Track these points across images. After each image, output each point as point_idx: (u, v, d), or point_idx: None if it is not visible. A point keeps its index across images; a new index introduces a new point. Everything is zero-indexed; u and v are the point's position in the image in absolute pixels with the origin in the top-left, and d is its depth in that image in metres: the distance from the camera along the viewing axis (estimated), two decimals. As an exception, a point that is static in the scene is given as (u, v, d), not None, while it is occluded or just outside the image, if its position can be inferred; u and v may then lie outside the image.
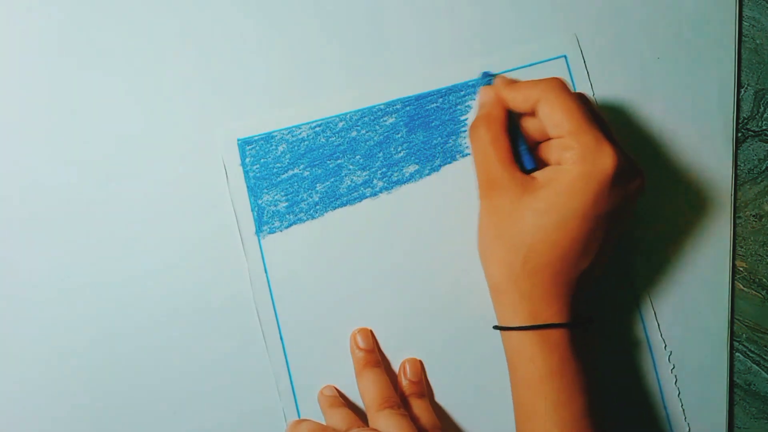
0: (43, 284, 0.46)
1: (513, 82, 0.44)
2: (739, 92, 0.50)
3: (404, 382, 0.47)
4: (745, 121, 0.51)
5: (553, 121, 0.40)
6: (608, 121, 0.43)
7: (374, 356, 0.47)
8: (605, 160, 0.39)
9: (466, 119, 0.49)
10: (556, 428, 0.40)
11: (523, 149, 0.43)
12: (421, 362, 0.48)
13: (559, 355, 0.41)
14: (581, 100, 0.41)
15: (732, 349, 0.50)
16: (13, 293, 0.46)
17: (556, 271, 0.40)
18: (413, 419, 0.45)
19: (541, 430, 0.41)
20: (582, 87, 0.49)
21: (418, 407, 0.46)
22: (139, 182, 0.47)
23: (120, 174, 0.47)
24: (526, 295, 0.41)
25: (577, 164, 0.39)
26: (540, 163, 0.43)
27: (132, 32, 0.48)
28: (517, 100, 0.43)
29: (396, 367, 0.48)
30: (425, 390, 0.48)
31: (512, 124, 0.43)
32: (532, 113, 0.42)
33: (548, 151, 0.42)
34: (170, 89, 0.48)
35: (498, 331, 0.43)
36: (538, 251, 0.40)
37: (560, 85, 0.41)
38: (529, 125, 0.43)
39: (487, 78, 0.46)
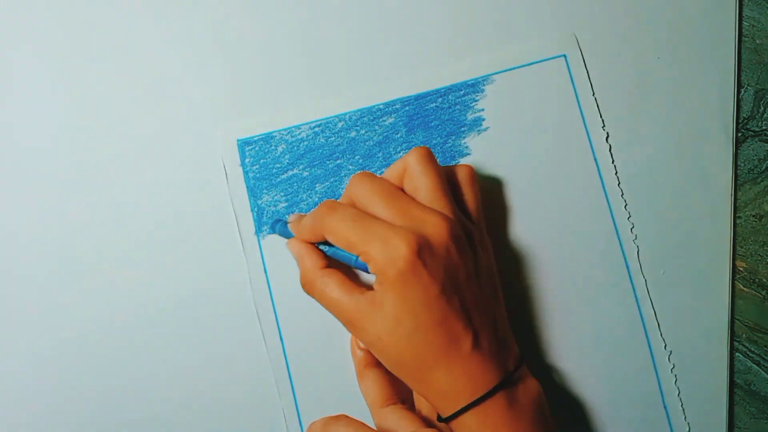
0: (42, 285, 0.46)
1: (298, 220, 0.45)
2: (739, 92, 0.50)
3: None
4: (745, 121, 0.50)
5: (343, 244, 0.41)
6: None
7: (374, 356, 0.47)
8: (399, 251, 0.39)
9: (465, 119, 0.49)
10: None
11: (354, 260, 0.42)
12: None
13: (493, 424, 0.41)
14: (352, 209, 0.42)
15: (732, 349, 0.50)
16: (11, 293, 0.46)
17: (448, 361, 0.40)
18: (423, 403, 0.45)
19: None
20: (582, 87, 0.49)
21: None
22: (138, 182, 0.47)
23: (120, 174, 0.47)
24: (441, 391, 0.41)
25: (384, 272, 0.39)
26: None
27: (132, 32, 0.48)
28: (309, 236, 0.44)
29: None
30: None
31: (328, 246, 0.44)
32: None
33: None
34: (170, 90, 0.48)
35: None
36: (419, 356, 0.40)
37: (327, 208, 0.42)
38: None
39: (278, 224, 0.47)
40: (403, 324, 0.40)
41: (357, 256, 0.41)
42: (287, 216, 0.48)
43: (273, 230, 0.47)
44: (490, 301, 0.43)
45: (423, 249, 0.39)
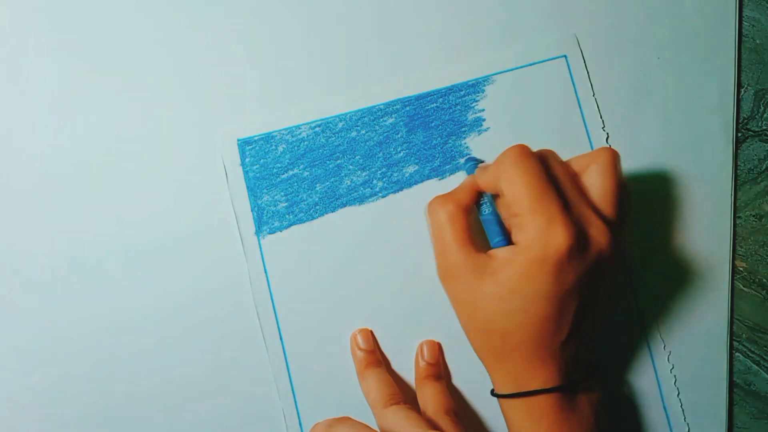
0: (41, 285, 0.46)
1: (487, 167, 0.44)
2: (739, 92, 0.50)
3: (421, 364, 0.47)
4: (745, 121, 0.51)
5: (511, 198, 0.40)
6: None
7: (375, 356, 0.47)
8: (558, 240, 0.38)
9: (466, 119, 0.49)
10: None
11: (492, 232, 0.42)
12: (439, 344, 0.48)
13: (547, 423, 0.41)
14: (543, 171, 0.41)
15: (732, 349, 0.50)
16: (11, 295, 0.46)
17: (534, 348, 0.40)
18: (429, 401, 0.45)
19: None
20: (582, 87, 0.49)
21: (434, 389, 0.46)
22: (138, 182, 0.47)
23: (120, 174, 0.47)
24: (511, 370, 0.41)
25: (530, 247, 0.39)
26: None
27: (132, 32, 0.48)
28: (487, 182, 0.42)
29: (396, 366, 0.48)
30: (442, 372, 0.48)
31: (489, 207, 0.43)
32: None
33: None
34: (170, 89, 0.48)
35: None
36: (510, 333, 0.40)
37: (517, 156, 0.41)
38: (502, 205, 0.43)
39: (470, 163, 0.47)
40: (512, 302, 0.39)
41: (500, 237, 0.42)
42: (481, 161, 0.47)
43: (464, 166, 0.48)
44: (599, 311, 0.42)
45: (576, 249, 0.39)
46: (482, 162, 0.47)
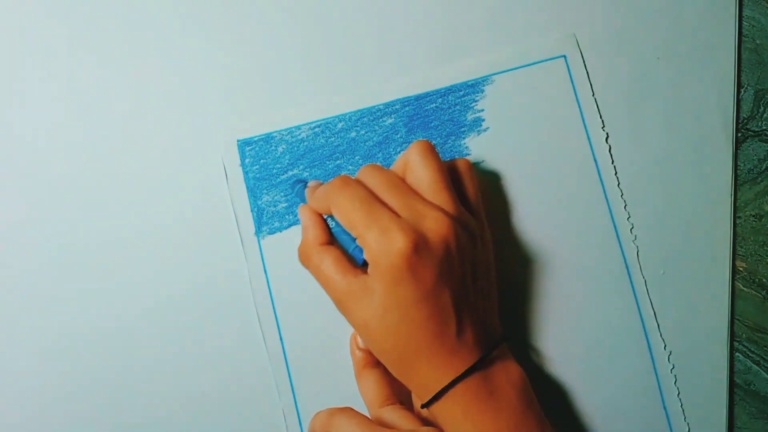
0: (40, 285, 0.46)
1: (314, 188, 0.45)
2: (739, 92, 0.50)
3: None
4: (745, 121, 0.50)
5: (344, 222, 0.41)
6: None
7: (374, 356, 0.47)
8: (396, 245, 0.39)
9: (465, 119, 0.49)
10: None
11: (352, 247, 0.42)
12: None
13: (471, 417, 0.41)
14: (363, 190, 0.42)
15: (732, 349, 0.50)
16: (11, 293, 0.46)
17: (429, 351, 0.40)
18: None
19: None
20: (582, 87, 0.49)
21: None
22: (139, 182, 0.47)
23: (120, 174, 0.47)
24: (420, 381, 0.41)
25: (377, 263, 0.40)
26: None
27: (131, 33, 0.48)
28: (320, 208, 0.44)
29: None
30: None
31: (335, 224, 0.44)
32: None
33: None
34: (170, 90, 0.48)
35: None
36: (402, 346, 0.41)
37: (339, 183, 0.42)
38: None
39: (298, 186, 0.47)
40: (391, 315, 0.40)
41: (355, 244, 0.42)
42: (308, 180, 0.48)
43: (292, 189, 0.48)
44: (483, 294, 0.43)
45: (420, 245, 0.39)
46: (307, 182, 0.47)
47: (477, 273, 0.42)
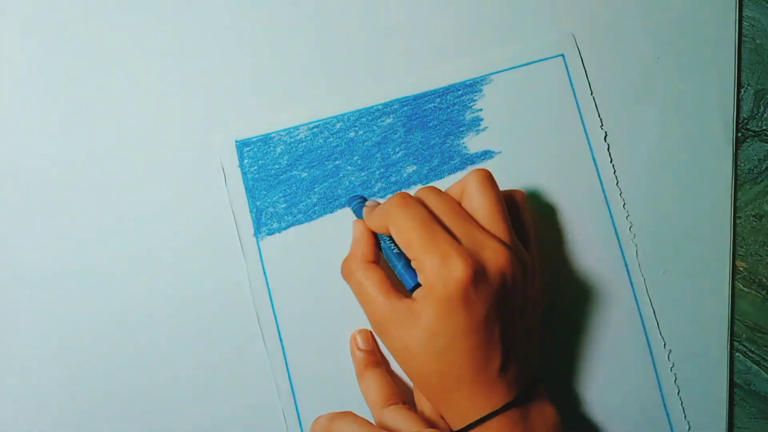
0: (39, 289, 0.46)
1: (372, 208, 0.44)
2: (739, 92, 0.50)
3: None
4: (745, 121, 0.50)
5: (401, 243, 0.41)
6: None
7: (375, 356, 0.47)
8: (456, 273, 0.38)
9: (464, 119, 0.49)
10: None
11: (401, 267, 0.42)
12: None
13: None
14: (425, 211, 0.41)
15: (732, 349, 0.50)
16: (11, 296, 0.46)
17: (471, 381, 0.40)
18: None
19: None
20: (580, 86, 0.49)
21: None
22: (137, 184, 0.47)
23: (118, 177, 0.47)
24: (456, 408, 0.41)
25: (432, 288, 0.39)
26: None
27: (129, 35, 0.47)
28: (375, 227, 0.43)
29: (396, 367, 0.48)
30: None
31: (388, 245, 0.43)
32: None
33: None
34: (167, 92, 0.48)
35: None
36: (444, 373, 0.40)
37: (401, 202, 0.41)
38: None
39: (355, 201, 0.47)
40: (436, 342, 0.40)
41: (404, 266, 0.42)
42: (368, 198, 0.48)
43: (349, 204, 0.48)
44: (529, 331, 0.42)
45: (478, 275, 0.39)
46: (366, 200, 0.47)
47: (526, 309, 0.42)
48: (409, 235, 0.40)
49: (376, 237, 0.44)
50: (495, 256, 0.40)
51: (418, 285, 0.41)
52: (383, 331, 0.42)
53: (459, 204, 0.43)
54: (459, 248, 0.39)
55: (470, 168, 0.48)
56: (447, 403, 0.41)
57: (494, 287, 0.39)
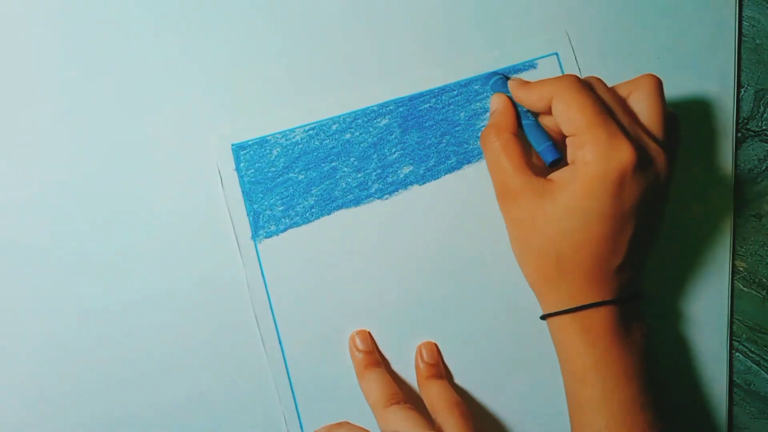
0: (38, 290, 0.46)
1: (526, 83, 0.43)
2: (739, 92, 0.49)
3: (421, 366, 0.47)
4: (745, 121, 0.49)
5: (567, 117, 0.40)
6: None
7: (374, 357, 0.47)
8: (621, 155, 0.38)
9: (459, 119, 0.48)
10: (603, 420, 0.41)
11: (545, 145, 0.42)
12: (436, 345, 0.48)
13: (603, 345, 0.41)
14: (596, 95, 0.41)
15: (732, 349, 0.50)
16: (5, 295, 0.46)
17: (589, 269, 0.40)
18: (435, 397, 0.45)
19: (590, 421, 0.41)
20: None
21: (438, 386, 0.46)
22: (133, 189, 0.47)
23: (114, 181, 0.47)
24: (564, 292, 0.41)
25: (592, 163, 0.38)
26: (561, 153, 0.42)
27: (124, 38, 0.47)
28: (532, 100, 0.42)
29: (395, 366, 0.48)
30: (443, 372, 0.48)
31: (532, 121, 0.43)
32: (549, 112, 0.42)
33: (566, 150, 0.42)
34: (162, 97, 0.47)
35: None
36: (567, 255, 0.40)
37: (573, 81, 0.41)
38: (545, 122, 0.43)
39: (495, 78, 0.46)
40: (570, 221, 0.40)
41: (547, 143, 0.42)
42: (510, 74, 0.48)
43: (487, 82, 0.48)
44: (650, 242, 0.43)
45: (641, 165, 0.39)
46: (508, 77, 0.47)
47: (658, 218, 0.42)
48: (579, 112, 0.40)
49: (517, 111, 0.44)
50: (657, 156, 0.40)
51: (558, 162, 0.41)
52: (511, 200, 0.42)
53: (624, 101, 0.42)
54: (629, 137, 0.39)
55: (467, 167, 0.48)
56: (553, 287, 0.42)
57: (647, 184, 0.39)
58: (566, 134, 0.40)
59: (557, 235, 0.40)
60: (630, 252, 0.40)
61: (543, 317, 0.43)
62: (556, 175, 0.41)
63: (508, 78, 0.47)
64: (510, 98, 0.45)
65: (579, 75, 0.49)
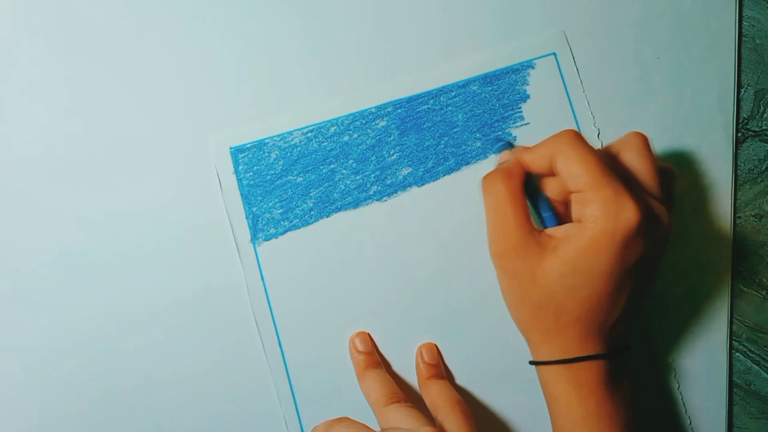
0: (37, 292, 0.47)
1: (528, 147, 0.43)
2: (739, 92, 0.49)
3: (422, 366, 0.48)
4: (745, 121, 0.49)
5: (570, 173, 0.39)
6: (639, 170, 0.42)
7: (374, 357, 0.47)
8: (628, 214, 0.38)
9: (457, 120, 0.48)
10: None
11: (544, 208, 0.42)
12: (436, 346, 0.48)
13: (596, 398, 0.41)
14: (598, 152, 0.40)
15: (732, 349, 0.50)
16: (5, 295, 0.47)
17: (587, 324, 0.40)
18: (437, 396, 0.45)
19: None
20: (572, 84, 0.48)
21: (439, 385, 0.46)
22: (132, 192, 0.47)
23: (113, 184, 0.47)
24: (560, 345, 0.41)
25: (598, 221, 0.38)
26: (561, 222, 0.42)
27: (123, 40, 0.47)
28: (536, 160, 0.42)
29: (395, 367, 0.48)
30: (443, 372, 0.48)
31: (532, 185, 0.43)
32: (552, 173, 0.41)
33: (569, 208, 0.42)
34: (160, 100, 0.47)
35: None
36: (566, 309, 0.40)
37: (574, 137, 0.40)
38: (550, 185, 0.43)
39: (500, 143, 0.47)
40: (574, 277, 0.39)
41: (549, 212, 0.41)
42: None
43: (492, 146, 0.48)
44: (643, 296, 0.43)
45: (643, 227, 0.38)
46: (512, 143, 0.47)
47: (650, 278, 0.42)
48: (580, 167, 0.39)
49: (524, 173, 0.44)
50: (662, 214, 0.40)
51: (555, 223, 0.41)
52: (510, 250, 0.41)
53: (617, 160, 0.42)
54: (632, 193, 0.39)
55: (465, 169, 0.48)
56: (549, 340, 0.42)
57: (650, 243, 0.39)
58: (571, 190, 0.40)
59: (559, 290, 0.40)
60: (627, 306, 0.41)
61: (533, 363, 0.43)
62: (557, 231, 0.40)
63: (512, 145, 0.47)
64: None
65: (578, 76, 0.49)
